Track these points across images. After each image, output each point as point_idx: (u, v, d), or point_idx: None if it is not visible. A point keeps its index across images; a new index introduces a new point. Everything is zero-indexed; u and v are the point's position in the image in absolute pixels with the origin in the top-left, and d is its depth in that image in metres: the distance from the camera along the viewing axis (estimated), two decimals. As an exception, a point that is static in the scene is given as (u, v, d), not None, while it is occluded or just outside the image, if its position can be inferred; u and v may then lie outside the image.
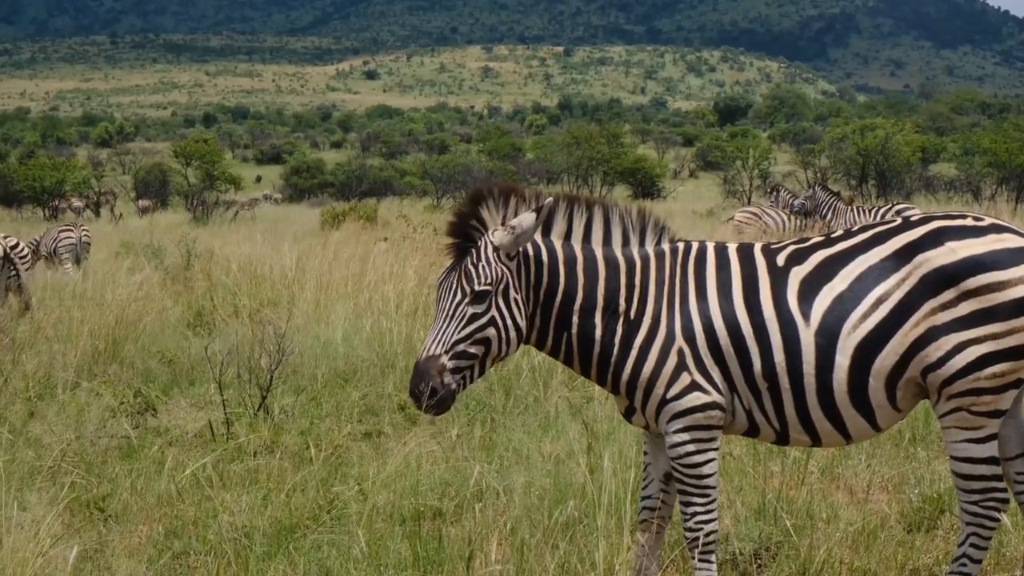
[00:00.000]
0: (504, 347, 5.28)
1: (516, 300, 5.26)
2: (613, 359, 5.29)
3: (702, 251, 5.38)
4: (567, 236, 5.37)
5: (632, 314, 5.28)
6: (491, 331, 5.21)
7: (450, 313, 5.21)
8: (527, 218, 5.16)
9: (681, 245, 5.44)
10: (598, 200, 5.53)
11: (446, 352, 5.16)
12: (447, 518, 6.81)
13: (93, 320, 11.69)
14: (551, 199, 5.29)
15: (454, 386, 5.17)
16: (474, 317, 5.19)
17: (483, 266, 5.19)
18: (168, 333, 12.55)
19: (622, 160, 52.69)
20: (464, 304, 5.20)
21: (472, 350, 5.20)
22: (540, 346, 5.46)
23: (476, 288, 5.18)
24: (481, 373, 5.35)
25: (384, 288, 13.14)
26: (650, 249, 5.41)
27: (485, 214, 5.29)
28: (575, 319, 5.31)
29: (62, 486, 6.97)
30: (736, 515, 6.62)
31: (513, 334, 5.27)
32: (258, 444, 8.20)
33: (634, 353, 5.24)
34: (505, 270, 5.22)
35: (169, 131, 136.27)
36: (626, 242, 5.41)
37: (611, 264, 5.35)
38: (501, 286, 5.21)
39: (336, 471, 7.74)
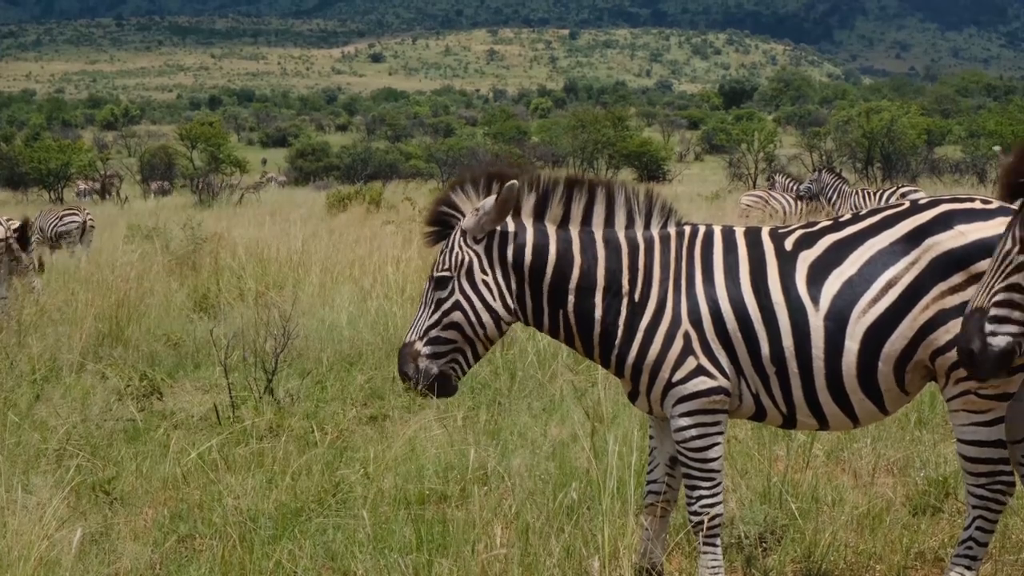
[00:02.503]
0: (478, 329, 5.32)
1: (485, 282, 5.31)
2: (618, 342, 5.28)
3: (709, 234, 5.36)
4: (564, 217, 5.36)
5: (637, 297, 5.26)
6: (457, 315, 5.30)
7: (425, 301, 5.37)
8: (488, 200, 5.23)
9: (687, 228, 5.42)
10: (603, 181, 5.51)
11: (420, 339, 5.30)
12: (452, 502, 6.80)
13: (98, 303, 11.69)
14: (514, 181, 5.20)
15: (435, 370, 5.28)
16: (439, 302, 5.31)
17: (446, 253, 5.31)
18: (174, 316, 12.56)
19: (627, 143, 52.70)
20: (430, 291, 5.34)
21: (445, 335, 5.30)
22: (538, 325, 5.46)
23: (434, 274, 5.33)
24: (474, 355, 5.42)
25: (389, 271, 13.14)
26: (656, 232, 5.39)
27: (459, 200, 5.37)
28: (571, 298, 5.31)
29: (67, 469, 6.97)
30: (741, 499, 6.62)
31: (485, 316, 5.31)
32: (263, 427, 8.19)
33: (639, 336, 5.22)
34: (470, 253, 5.30)
35: (174, 114, 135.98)
36: (630, 224, 5.38)
37: (612, 245, 5.33)
38: (463, 269, 5.29)
39: (341, 455, 7.74)
